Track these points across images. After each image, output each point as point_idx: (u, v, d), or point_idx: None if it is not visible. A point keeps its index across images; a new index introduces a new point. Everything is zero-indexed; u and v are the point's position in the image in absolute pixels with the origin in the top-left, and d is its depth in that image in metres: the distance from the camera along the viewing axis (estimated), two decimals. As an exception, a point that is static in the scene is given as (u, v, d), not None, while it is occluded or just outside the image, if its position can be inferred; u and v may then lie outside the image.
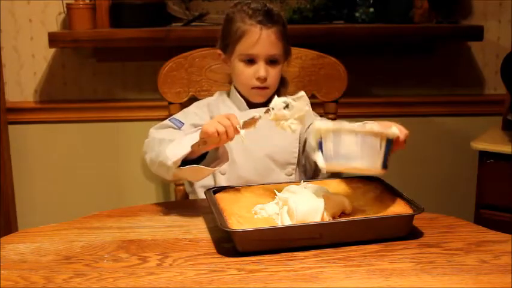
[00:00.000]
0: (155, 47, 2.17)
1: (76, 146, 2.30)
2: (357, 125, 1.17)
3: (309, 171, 1.60)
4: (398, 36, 2.18)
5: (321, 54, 1.82)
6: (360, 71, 2.15)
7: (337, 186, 1.35)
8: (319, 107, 1.90)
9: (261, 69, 1.52)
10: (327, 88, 1.82)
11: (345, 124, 1.16)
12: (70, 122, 2.29)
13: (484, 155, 1.95)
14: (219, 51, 1.61)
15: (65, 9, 2.15)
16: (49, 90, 2.28)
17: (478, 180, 2.00)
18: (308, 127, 1.59)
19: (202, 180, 1.57)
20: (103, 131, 2.29)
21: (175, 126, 1.54)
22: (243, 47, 1.52)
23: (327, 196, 1.24)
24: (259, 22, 1.51)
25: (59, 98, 2.28)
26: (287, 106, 1.25)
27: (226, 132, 1.27)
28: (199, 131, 1.31)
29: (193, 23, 2.23)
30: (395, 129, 1.20)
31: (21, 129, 2.28)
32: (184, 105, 1.72)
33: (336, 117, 1.85)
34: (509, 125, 2.09)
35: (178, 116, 1.59)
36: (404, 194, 1.27)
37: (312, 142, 1.50)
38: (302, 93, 1.27)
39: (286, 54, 1.59)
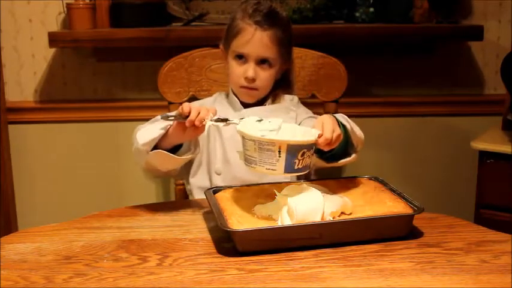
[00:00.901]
0: (155, 47, 2.17)
1: (76, 146, 2.30)
2: (298, 128, 1.24)
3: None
4: (398, 36, 2.18)
5: (321, 54, 1.82)
6: (360, 71, 2.15)
7: (337, 186, 1.35)
8: (319, 107, 1.90)
9: (249, 69, 1.52)
10: (327, 88, 1.82)
11: (249, 130, 1.19)
12: (70, 122, 2.29)
13: (484, 155, 1.95)
14: (221, 46, 1.62)
15: (65, 9, 2.15)
16: (49, 90, 2.28)
17: (478, 180, 2.00)
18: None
19: (198, 181, 1.58)
20: (103, 131, 2.29)
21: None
22: (236, 45, 1.54)
23: (327, 196, 1.24)
24: (256, 22, 1.51)
25: (59, 98, 2.28)
26: (260, 120, 1.26)
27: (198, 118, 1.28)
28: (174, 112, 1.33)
29: (193, 23, 2.23)
30: (313, 131, 1.22)
31: (21, 129, 2.28)
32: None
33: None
34: (509, 125, 2.09)
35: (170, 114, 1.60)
36: (404, 194, 1.27)
37: None
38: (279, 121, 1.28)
39: (284, 59, 1.58)
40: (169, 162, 1.37)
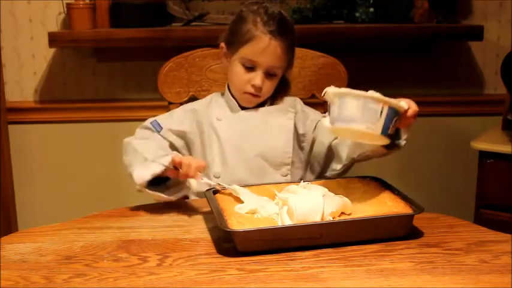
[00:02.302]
0: (155, 47, 2.17)
1: (76, 146, 2.30)
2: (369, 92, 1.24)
3: (317, 171, 1.60)
4: (398, 36, 2.18)
5: (321, 54, 1.81)
6: (360, 71, 2.15)
7: (337, 186, 1.35)
8: (320, 107, 1.89)
9: (257, 77, 1.51)
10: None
11: (352, 90, 1.22)
12: (70, 122, 2.29)
13: (484, 155, 1.95)
14: (222, 44, 1.59)
15: (65, 9, 2.15)
16: (49, 90, 2.28)
17: (478, 180, 2.00)
18: (315, 127, 1.59)
19: (196, 186, 1.57)
20: (103, 131, 2.29)
21: (153, 129, 1.56)
22: (248, 52, 1.50)
23: (327, 196, 1.24)
24: (271, 32, 1.49)
25: (59, 98, 2.28)
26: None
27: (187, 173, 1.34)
28: (168, 158, 1.36)
29: (193, 23, 2.23)
30: (403, 103, 1.24)
31: (21, 129, 2.28)
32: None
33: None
34: (509, 125, 2.09)
35: (163, 117, 1.61)
36: (404, 194, 1.27)
37: (325, 141, 1.55)
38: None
39: (288, 66, 1.58)
40: (163, 198, 1.41)
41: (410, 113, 1.27)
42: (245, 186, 1.35)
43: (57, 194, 2.33)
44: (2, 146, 2.21)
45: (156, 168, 1.36)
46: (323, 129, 1.59)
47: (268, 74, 1.52)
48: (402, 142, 1.35)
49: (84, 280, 1.05)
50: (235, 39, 1.53)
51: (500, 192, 1.93)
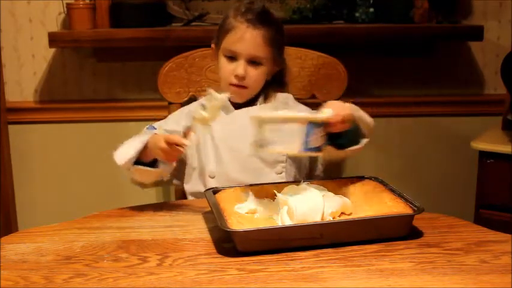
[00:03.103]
0: (155, 47, 2.17)
1: (76, 146, 2.30)
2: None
3: (304, 172, 1.60)
4: (398, 36, 2.18)
5: (321, 54, 1.82)
6: (360, 71, 2.15)
7: (337, 186, 1.35)
8: (320, 107, 1.90)
9: (239, 67, 1.52)
10: (327, 88, 1.82)
11: (268, 114, 1.23)
12: (70, 122, 2.29)
13: (484, 155, 1.95)
14: (213, 45, 1.62)
15: (65, 9, 2.15)
16: (49, 90, 2.28)
17: (478, 180, 2.00)
18: None
19: (192, 187, 1.57)
20: (103, 131, 2.29)
21: (147, 131, 1.57)
22: (228, 42, 1.53)
23: (327, 196, 1.24)
24: (248, 21, 1.51)
25: (59, 98, 2.28)
26: (203, 108, 1.29)
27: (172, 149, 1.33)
28: (148, 134, 1.38)
29: (193, 23, 2.23)
30: (326, 111, 1.24)
31: (21, 129, 2.28)
32: (184, 105, 1.72)
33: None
34: (509, 125, 2.09)
35: (159, 121, 1.62)
36: (404, 194, 1.27)
37: None
38: (210, 90, 1.31)
39: (275, 60, 1.58)
40: (151, 175, 1.41)
41: (334, 120, 1.24)
42: (245, 186, 1.35)
43: (57, 194, 2.32)
44: (2, 146, 2.21)
45: (137, 145, 1.37)
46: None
47: (252, 63, 1.52)
48: (353, 147, 1.34)
49: (84, 280, 1.05)
50: (219, 34, 1.57)
51: (500, 192, 1.93)
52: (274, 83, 1.62)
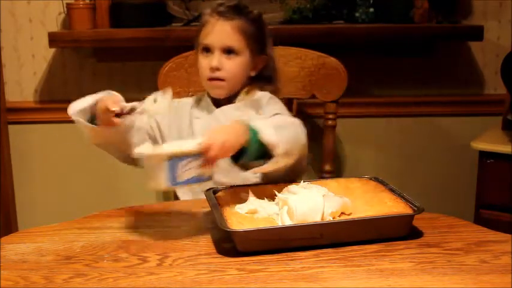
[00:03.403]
0: (155, 47, 2.17)
1: (76, 146, 2.30)
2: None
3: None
4: (398, 36, 2.18)
5: (321, 54, 1.82)
6: (360, 71, 2.15)
7: (337, 186, 1.35)
8: (320, 107, 1.90)
9: (214, 59, 1.51)
10: (327, 88, 1.82)
11: (143, 150, 1.19)
12: (70, 122, 2.27)
13: (484, 155, 1.95)
14: (195, 50, 1.60)
15: (65, 9, 2.15)
16: (49, 90, 2.28)
17: (478, 180, 2.00)
18: None
19: (180, 188, 1.54)
20: (103, 131, 2.29)
21: None
22: (201, 37, 1.54)
23: (327, 196, 1.24)
24: (219, 13, 1.51)
25: (59, 98, 2.28)
26: (155, 100, 1.27)
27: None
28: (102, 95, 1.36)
29: (193, 23, 2.23)
30: (196, 141, 1.18)
31: (21, 129, 2.28)
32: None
33: (336, 117, 1.85)
34: (509, 125, 2.09)
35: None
36: (404, 194, 1.27)
37: None
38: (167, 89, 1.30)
39: (254, 53, 1.55)
40: (97, 134, 1.38)
41: (200, 149, 1.17)
42: (246, 186, 1.35)
43: (57, 194, 2.32)
44: (2, 146, 2.21)
45: (89, 99, 1.36)
46: None
47: (226, 52, 1.51)
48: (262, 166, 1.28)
49: (84, 280, 1.05)
50: (196, 34, 1.57)
51: (500, 192, 1.93)
52: (260, 80, 1.60)
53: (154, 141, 1.53)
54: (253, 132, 1.24)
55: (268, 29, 1.61)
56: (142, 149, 1.19)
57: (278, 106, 1.57)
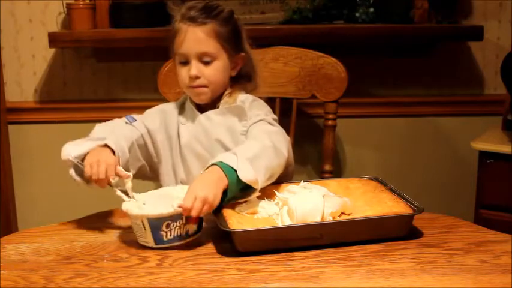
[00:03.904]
0: (155, 47, 2.17)
1: (76, 146, 2.30)
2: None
3: None
4: (398, 36, 2.18)
5: (321, 54, 1.82)
6: (360, 71, 2.15)
7: (337, 186, 1.35)
8: (319, 107, 1.90)
9: (192, 68, 1.47)
10: (327, 88, 1.82)
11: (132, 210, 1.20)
12: (70, 122, 2.28)
13: (484, 155, 1.95)
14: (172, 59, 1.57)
15: (65, 9, 2.15)
16: (49, 90, 2.28)
17: (478, 180, 2.00)
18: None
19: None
20: (103, 131, 2.29)
21: (126, 121, 1.53)
22: (176, 47, 1.49)
23: (327, 196, 1.24)
24: (189, 19, 1.47)
25: (59, 98, 2.28)
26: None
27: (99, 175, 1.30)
28: (97, 142, 1.38)
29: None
30: (175, 203, 1.18)
31: (21, 129, 2.28)
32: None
33: (336, 117, 1.85)
34: (509, 125, 2.09)
35: (139, 116, 1.57)
36: (404, 194, 1.27)
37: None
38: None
39: (230, 54, 1.51)
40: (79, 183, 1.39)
41: (183, 212, 1.16)
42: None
43: (57, 194, 2.32)
44: (2, 146, 2.21)
45: (84, 148, 1.36)
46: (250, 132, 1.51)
47: (204, 61, 1.47)
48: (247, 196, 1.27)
49: (84, 280, 1.05)
50: (169, 43, 1.53)
51: (500, 192, 1.93)
52: (241, 79, 1.56)
53: (146, 149, 1.52)
54: (230, 172, 1.22)
55: (242, 25, 1.56)
56: (128, 206, 1.20)
57: (262, 110, 1.53)
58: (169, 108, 1.58)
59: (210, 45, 1.47)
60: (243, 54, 1.54)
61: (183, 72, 1.49)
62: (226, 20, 1.50)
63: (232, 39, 1.51)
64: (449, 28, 2.19)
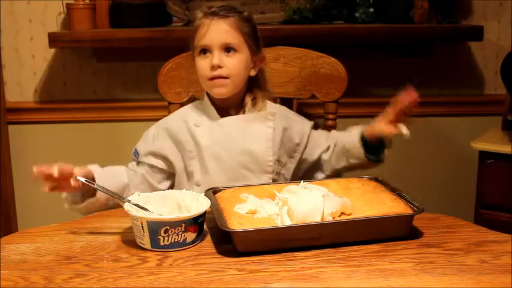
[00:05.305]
0: (155, 47, 2.17)
1: (76, 146, 2.30)
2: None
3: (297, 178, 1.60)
4: (398, 37, 2.18)
5: (321, 54, 1.82)
6: (360, 71, 2.15)
7: (337, 186, 1.35)
8: (319, 107, 1.90)
9: (214, 57, 1.48)
10: (327, 88, 1.82)
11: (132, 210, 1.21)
12: (70, 122, 2.29)
13: (484, 155, 1.95)
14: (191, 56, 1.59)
15: (65, 9, 2.15)
16: (49, 90, 2.28)
17: (478, 180, 2.00)
18: (307, 140, 1.60)
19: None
20: (103, 131, 2.29)
21: (135, 158, 1.57)
22: (198, 40, 1.51)
23: (327, 196, 1.24)
24: (212, 14, 1.49)
25: (59, 98, 2.29)
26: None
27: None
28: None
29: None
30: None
31: (21, 129, 2.28)
32: (184, 105, 1.72)
33: (336, 117, 1.85)
34: (509, 125, 2.09)
35: (140, 143, 1.59)
36: (404, 194, 1.27)
37: (314, 152, 1.62)
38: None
39: (252, 49, 1.52)
40: (87, 209, 1.46)
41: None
42: (245, 186, 1.35)
43: (57, 194, 2.32)
44: (2, 146, 2.21)
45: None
46: (314, 139, 1.60)
47: (227, 51, 1.49)
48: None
49: (84, 280, 1.05)
50: (191, 38, 1.55)
51: (500, 192, 1.93)
52: (256, 84, 1.58)
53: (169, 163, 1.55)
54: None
55: (259, 30, 1.59)
56: (129, 207, 1.20)
57: (298, 116, 1.65)
58: (172, 121, 1.59)
59: (234, 37, 1.49)
60: (262, 55, 1.56)
61: (204, 64, 1.50)
62: (247, 19, 1.53)
63: (252, 37, 1.53)
64: (449, 28, 2.19)
